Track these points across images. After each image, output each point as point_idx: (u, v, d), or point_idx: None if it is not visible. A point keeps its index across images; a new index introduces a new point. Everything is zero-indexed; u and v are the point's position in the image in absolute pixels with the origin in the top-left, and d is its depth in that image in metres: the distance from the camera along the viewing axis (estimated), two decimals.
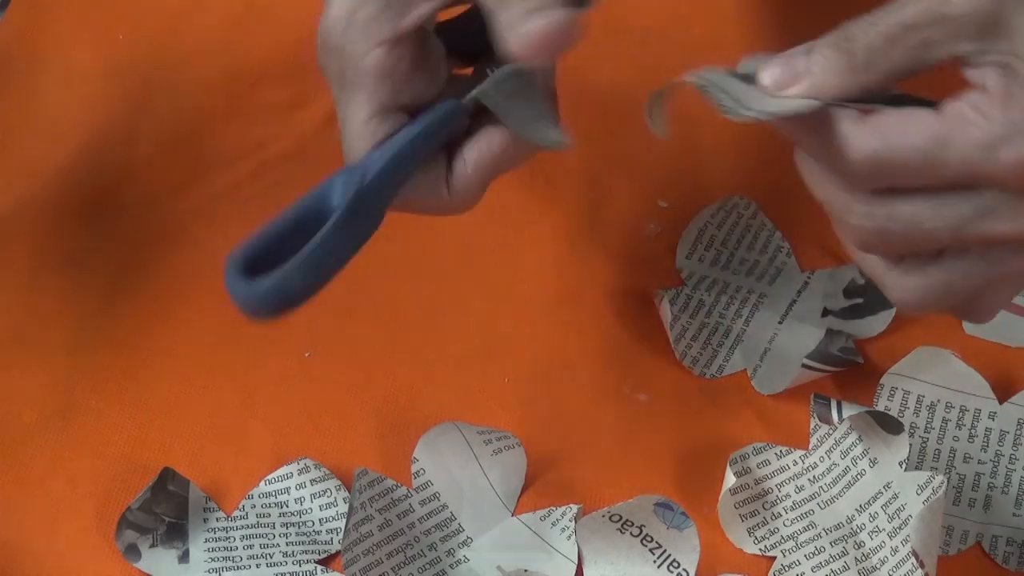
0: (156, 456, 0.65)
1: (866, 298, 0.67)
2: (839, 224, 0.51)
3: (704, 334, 0.67)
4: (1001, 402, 0.64)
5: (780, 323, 0.68)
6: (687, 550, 0.60)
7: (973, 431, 0.64)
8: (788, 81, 0.50)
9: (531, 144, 0.55)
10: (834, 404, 0.61)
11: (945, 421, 0.64)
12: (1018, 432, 0.64)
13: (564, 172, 0.72)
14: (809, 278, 0.69)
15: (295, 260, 0.50)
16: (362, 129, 0.55)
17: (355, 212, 0.52)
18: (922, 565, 0.56)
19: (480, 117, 0.55)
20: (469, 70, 0.58)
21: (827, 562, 0.61)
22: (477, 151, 0.55)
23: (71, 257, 0.71)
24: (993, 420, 0.64)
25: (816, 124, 0.49)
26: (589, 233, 0.70)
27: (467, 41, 0.56)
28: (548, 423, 0.65)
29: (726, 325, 0.68)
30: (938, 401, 0.64)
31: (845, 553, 0.61)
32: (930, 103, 0.49)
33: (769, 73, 0.50)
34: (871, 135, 0.49)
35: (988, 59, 0.48)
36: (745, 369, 0.67)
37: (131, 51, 0.77)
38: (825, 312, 0.68)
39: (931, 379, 0.64)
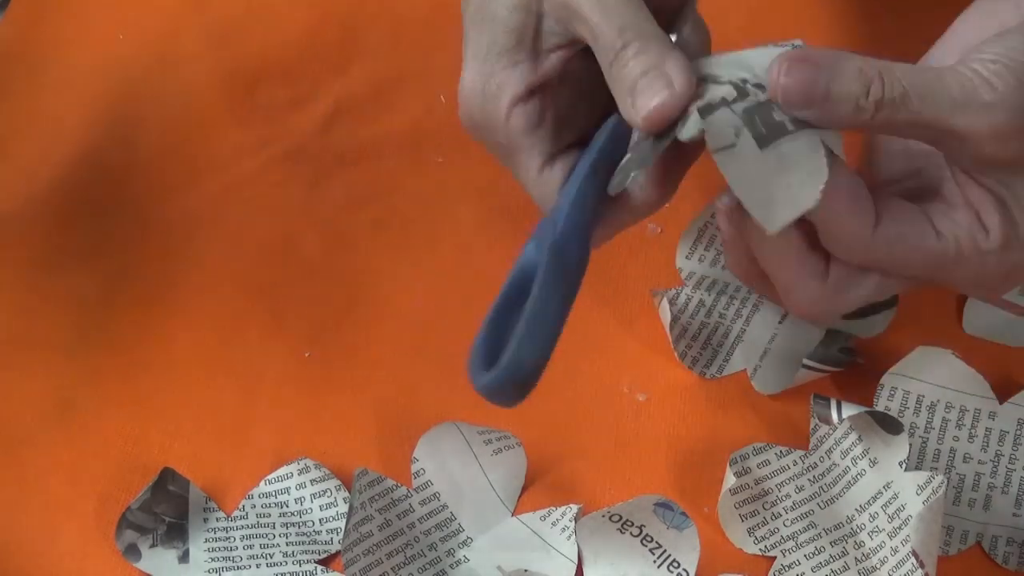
0: (156, 456, 0.65)
1: None
2: (796, 302, 0.54)
3: (704, 334, 0.67)
4: (1001, 402, 0.64)
5: (780, 323, 0.68)
6: (687, 550, 0.60)
7: (973, 431, 0.64)
8: (804, 99, 0.50)
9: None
10: (834, 404, 0.61)
11: (945, 421, 0.64)
12: (1018, 432, 0.64)
13: None
14: None
15: (515, 339, 0.49)
16: (538, 183, 0.55)
17: (557, 265, 0.51)
18: (922, 565, 0.56)
19: None
20: None
21: (827, 562, 0.61)
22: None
23: (71, 257, 0.71)
24: (993, 420, 0.64)
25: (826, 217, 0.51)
26: None
27: None
28: (548, 423, 0.65)
29: (726, 325, 0.68)
30: (938, 401, 0.64)
31: (845, 553, 0.61)
32: None
33: (787, 75, 0.50)
34: (882, 246, 0.51)
35: (984, 180, 0.51)
36: (745, 369, 0.67)
37: (131, 51, 0.77)
38: None
39: (931, 379, 0.64)
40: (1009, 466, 0.63)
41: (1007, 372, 0.66)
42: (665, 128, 0.51)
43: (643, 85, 0.51)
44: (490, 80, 0.54)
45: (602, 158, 0.54)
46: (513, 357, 0.49)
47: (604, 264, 0.70)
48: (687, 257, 0.69)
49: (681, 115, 0.50)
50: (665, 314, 0.66)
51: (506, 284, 0.52)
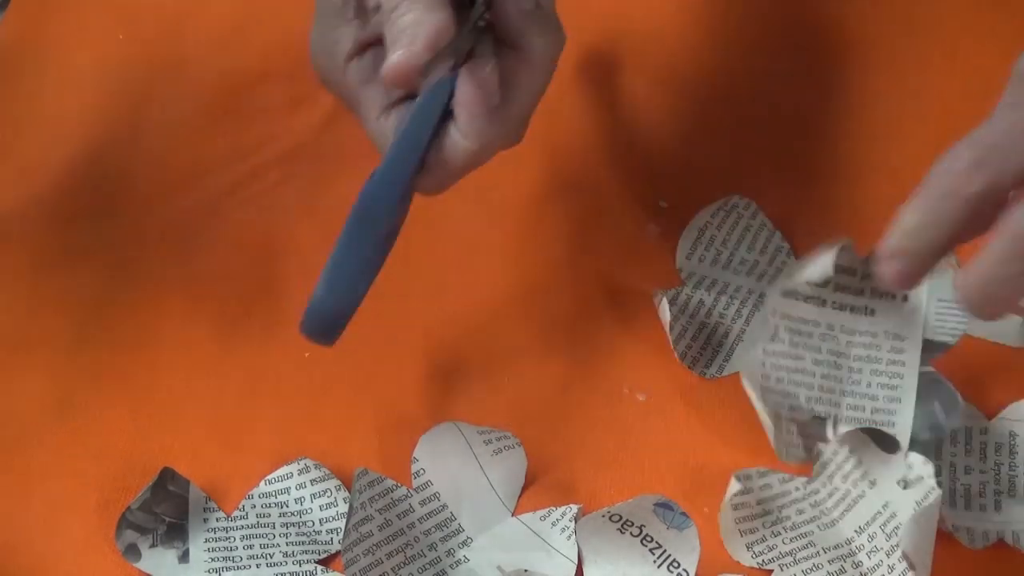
0: (156, 456, 0.65)
1: None
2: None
3: (704, 334, 0.67)
4: (990, 419, 0.64)
5: None
6: (687, 550, 0.60)
7: (968, 446, 0.64)
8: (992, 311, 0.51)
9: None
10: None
11: (939, 440, 0.64)
12: (1012, 443, 0.64)
13: (565, 171, 0.72)
14: None
15: (319, 283, 0.52)
16: (375, 131, 0.58)
17: (361, 213, 0.54)
18: (912, 568, 0.56)
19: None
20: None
21: None
22: (463, 94, 0.56)
23: (71, 257, 0.71)
24: (985, 435, 0.64)
25: None
26: (589, 233, 0.70)
27: None
28: (548, 423, 0.65)
29: (726, 325, 0.68)
30: None
31: (843, 572, 0.60)
32: None
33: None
34: None
35: None
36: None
37: (131, 51, 0.77)
38: None
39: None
40: (1010, 472, 0.63)
41: (991, 392, 0.65)
42: (404, 85, 0.55)
43: (390, 42, 0.54)
44: (327, 36, 0.58)
45: (422, 112, 0.56)
46: (313, 301, 0.53)
47: (604, 264, 0.70)
48: (687, 257, 0.69)
49: (417, 74, 0.54)
50: (665, 314, 0.66)
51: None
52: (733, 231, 0.70)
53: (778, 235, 0.70)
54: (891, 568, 0.59)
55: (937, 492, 0.57)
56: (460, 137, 0.56)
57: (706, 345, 0.67)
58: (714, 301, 0.68)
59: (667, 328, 0.66)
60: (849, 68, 0.75)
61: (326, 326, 0.53)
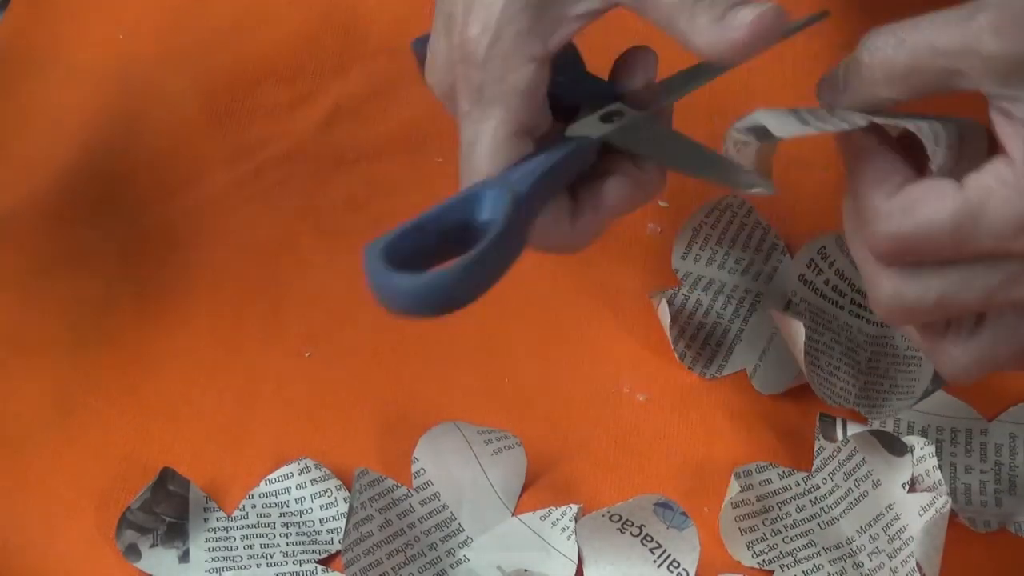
0: (156, 456, 0.65)
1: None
2: (871, 300, 0.51)
3: (703, 334, 0.67)
4: (989, 420, 0.65)
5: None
6: (687, 550, 0.60)
7: (969, 447, 0.64)
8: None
9: (735, 188, 0.53)
10: (839, 423, 0.61)
11: (939, 442, 0.64)
12: (1012, 444, 0.64)
13: None
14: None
15: (462, 263, 0.48)
16: (499, 147, 0.53)
17: (512, 227, 0.50)
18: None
19: (610, 159, 0.54)
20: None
21: None
22: (615, 193, 0.53)
23: (71, 257, 0.71)
24: (985, 436, 0.64)
25: (853, 196, 0.50)
26: None
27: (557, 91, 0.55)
28: (548, 423, 0.65)
29: (724, 324, 0.68)
30: (929, 426, 0.64)
31: (844, 573, 0.60)
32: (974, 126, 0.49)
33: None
34: (897, 214, 0.48)
35: (1016, 112, 0.48)
36: (744, 369, 0.67)
37: (131, 51, 0.77)
38: None
39: (917, 406, 0.64)
40: (1011, 472, 0.63)
41: (992, 394, 0.65)
42: (745, 54, 0.51)
43: (735, 11, 0.50)
44: (509, 27, 0.52)
45: (567, 162, 0.53)
46: (453, 278, 0.48)
47: (604, 264, 0.70)
48: (683, 257, 0.69)
49: (776, 34, 0.50)
50: (664, 315, 0.66)
51: (435, 210, 0.50)
52: (728, 230, 0.70)
53: (772, 234, 0.70)
54: (893, 572, 0.59)
55: (946, 499, 0.57)
56: (577, 233, 0.54)
57: (705, 345, 0.67)
58: (712, 301, 0.68)
59: (666, 328, 0.66)
60: None
61: (444, 308, 0.49)
